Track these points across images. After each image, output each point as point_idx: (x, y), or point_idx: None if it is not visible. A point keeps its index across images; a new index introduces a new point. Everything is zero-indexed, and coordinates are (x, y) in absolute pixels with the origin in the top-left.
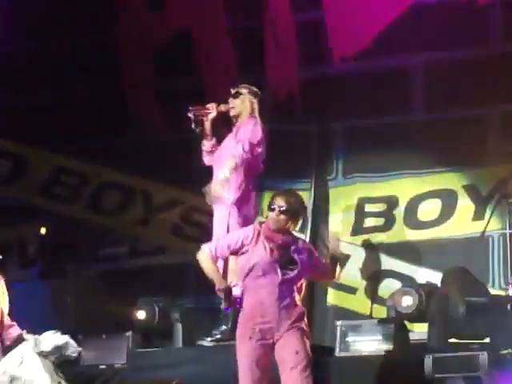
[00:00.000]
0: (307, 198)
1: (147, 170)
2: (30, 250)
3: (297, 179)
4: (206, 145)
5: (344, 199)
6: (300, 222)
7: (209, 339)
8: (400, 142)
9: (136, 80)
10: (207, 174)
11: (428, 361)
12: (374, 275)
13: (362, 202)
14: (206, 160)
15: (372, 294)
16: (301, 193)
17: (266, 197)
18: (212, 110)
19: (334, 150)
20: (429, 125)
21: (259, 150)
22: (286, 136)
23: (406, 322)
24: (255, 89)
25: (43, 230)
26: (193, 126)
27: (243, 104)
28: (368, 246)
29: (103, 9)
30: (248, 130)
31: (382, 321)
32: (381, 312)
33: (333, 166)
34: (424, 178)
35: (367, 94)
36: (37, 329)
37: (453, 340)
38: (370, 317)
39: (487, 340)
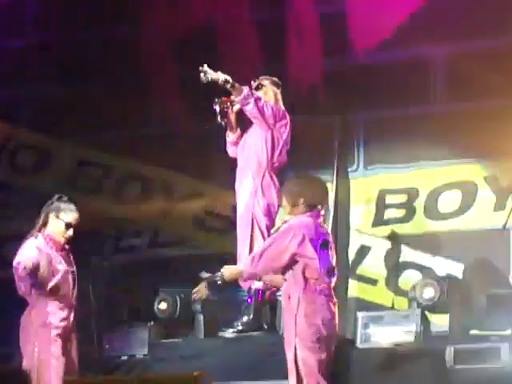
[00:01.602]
0: (330, 188)
1: (168, 160)
2: None
3: (319, 170)
4: (231, 136)
5: (365, 190)
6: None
7: (231, 330)
8: (421, 133)
9: (158, 70)
10: (230, 165)
11: (449, 352)
12: (394, 267)
13: (382, 194)
14: (231, 151)
15: (393, 285)
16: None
17: None
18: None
19: (355, 140)
20: (451, 115)
21: (285, 147)
22: (308, 126)
23: (428, 313)
24: (276, 79)
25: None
26: (218, 118)
27: (266, 95)
28: (389, 237)
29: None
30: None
31: (403, 312)
32: (402, 303)
33: (354, 156)
34: (445, 169)
35: (389, 85)
36: None
37: (474, 331)
38: (392, 308)
39: (509, 331)
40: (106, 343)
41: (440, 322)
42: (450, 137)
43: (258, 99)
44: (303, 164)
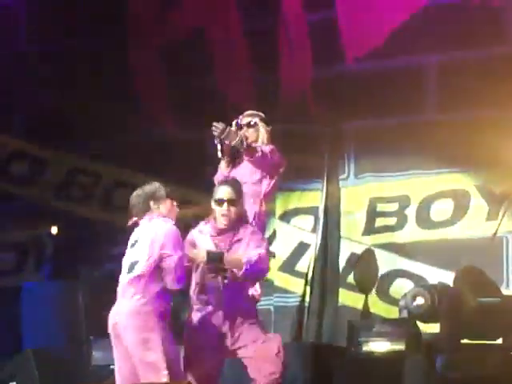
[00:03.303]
0: (320, 197)
1: (158, 169)
2: (46, 250)
3: (309, 179)
4: (225, 170)
5: (356, 199)
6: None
7: None
8: (412, 142)
9: (148, 80)
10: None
11: (440, 361)
12: (385, 275)
13: (373, 202)
14: None
15: (384, 293)
16: (313, 193)
17: (279, 198)
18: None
19: (345, 149)
20: (442, 125)
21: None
22: (299, 136)
23: (418, 322)
24: (263, 115)
25: (55, 230)
26: (219, 154)
27: (260, 133)
28: (379, 245)
29: (115, 8)
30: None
31: (393, 321)
32: (393, 312)
33: (345, 165)
34: (436, 178)
35: (380, 94)
36: (48, 328)
37: (465, 340)
38: (382, 317)
39: (499, 341)
40: (95, 352)
41: (431, 330)
42: (442, 146)
43: (272, 151)
44: (293, 173)
